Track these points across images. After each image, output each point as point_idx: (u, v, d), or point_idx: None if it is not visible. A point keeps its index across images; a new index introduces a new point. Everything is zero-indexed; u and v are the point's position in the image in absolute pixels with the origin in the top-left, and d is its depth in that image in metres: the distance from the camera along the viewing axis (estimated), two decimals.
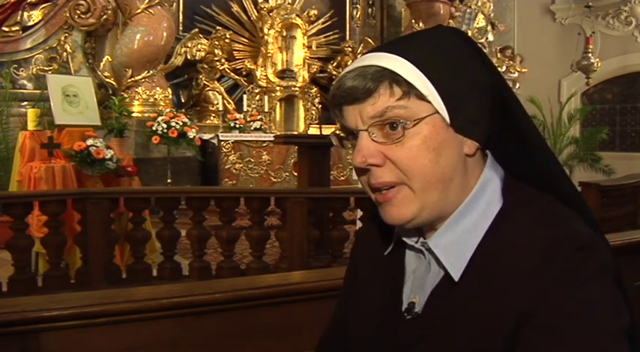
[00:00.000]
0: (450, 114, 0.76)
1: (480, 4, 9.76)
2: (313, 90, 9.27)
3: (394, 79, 0.75)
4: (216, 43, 8.48)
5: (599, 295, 0.69)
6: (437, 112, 0.75)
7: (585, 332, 0.67)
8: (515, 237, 0.74)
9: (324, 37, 9.82)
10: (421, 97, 0.75)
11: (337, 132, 0.82)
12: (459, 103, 0.76)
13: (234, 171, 7.66)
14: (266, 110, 8.65)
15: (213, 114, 8.48)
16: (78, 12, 7.36)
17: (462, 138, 0.77)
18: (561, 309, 0.68)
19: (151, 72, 7.62)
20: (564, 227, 0.72)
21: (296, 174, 6.94)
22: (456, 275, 0.77)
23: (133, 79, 7.53)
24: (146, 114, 7.31)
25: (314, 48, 9.60)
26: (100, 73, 7.58)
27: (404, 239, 0.85)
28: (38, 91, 6.91)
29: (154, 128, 6.62)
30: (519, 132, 0.80)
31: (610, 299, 0.69)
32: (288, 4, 9.07)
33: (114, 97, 6.90)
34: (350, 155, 8.26)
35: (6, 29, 7.36)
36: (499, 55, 10.38)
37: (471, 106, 0.77)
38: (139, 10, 7.41)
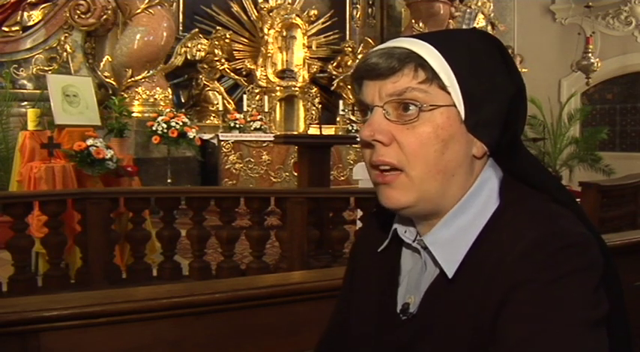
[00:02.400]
0: (466, 111, 0.77)
1: (480, 4, 9.75)
2: (313, 90, 9.28)
3: (420, 63, 0.76)
4: (216, 43, 8.47)
5: (576, 291, 0.68)
6: (454, 106, 0.76)
7: (553, 324, 0.66)
8: (505, 235, 0.74)
9: (324, 37, 9.81)
10: (442, 87, 0.76)
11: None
12: (478, 103, 0.77)
13: (234, 171, 7.66)
14: (266, 110, 8.65)
15: (213, 114, 8.48)
16: (78, 12, 7.35)
17: (472, 138, 0.78)
18: (532, 301, 0.68)
19: (151, 72, 7.61)
20: (554, 225, 0.72)
21: (296, 174, 6.94)
22: (450, 272, 0.77)
23: (133, 79, 7.52)
24: (146, 114, 7.31)
25: (314, 48, 9.60)
26: (100, 73, 7.58)
27: (401, 236, 0.85)
28: (38, 91, 6.90)
29: (154, 128, 6.62)
30: (517, 148, 0.82)
31: (588, 296, 0.68)
32: (288, 4, 9.07)
33: (114, 97, 6.88)
34: (350, 155, 8.31)
35: (6, 29, 7.35)
36: None
37: (488, 110, 0.77)
38: (138, 10, 7.40)
